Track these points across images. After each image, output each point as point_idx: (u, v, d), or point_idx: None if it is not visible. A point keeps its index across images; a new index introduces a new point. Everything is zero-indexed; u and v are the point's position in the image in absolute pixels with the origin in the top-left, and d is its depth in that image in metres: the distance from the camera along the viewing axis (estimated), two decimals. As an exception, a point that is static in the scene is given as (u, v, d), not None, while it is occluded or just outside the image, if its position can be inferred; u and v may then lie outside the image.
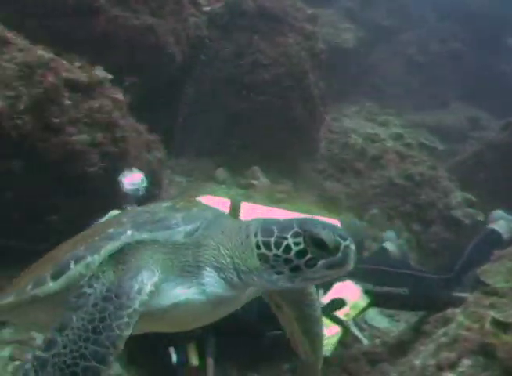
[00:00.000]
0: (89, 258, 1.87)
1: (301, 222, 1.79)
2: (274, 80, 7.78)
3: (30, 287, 2.01)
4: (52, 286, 1.93)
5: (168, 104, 6.75)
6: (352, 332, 4.28)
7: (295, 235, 1.73)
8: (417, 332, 4.57)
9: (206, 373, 3.93)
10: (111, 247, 1.87)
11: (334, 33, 12.55)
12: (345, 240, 1.76)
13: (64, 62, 4.62)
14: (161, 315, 1.91)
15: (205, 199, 4.52)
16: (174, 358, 3.89)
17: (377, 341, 5.02)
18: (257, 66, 7.78)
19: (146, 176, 4.23)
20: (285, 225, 1.79)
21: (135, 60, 6.11)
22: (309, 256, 1.71)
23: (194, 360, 3.89)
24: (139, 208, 2.14)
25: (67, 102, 4.40)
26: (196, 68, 7.23)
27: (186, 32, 6.88)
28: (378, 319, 5.64)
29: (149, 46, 6.09)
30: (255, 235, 1.78)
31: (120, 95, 4.86)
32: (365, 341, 4.48)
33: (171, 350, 3.92)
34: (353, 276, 4.24)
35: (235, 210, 4.30)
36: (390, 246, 5.46)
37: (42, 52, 4.40)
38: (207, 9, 7.71)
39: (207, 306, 1.90)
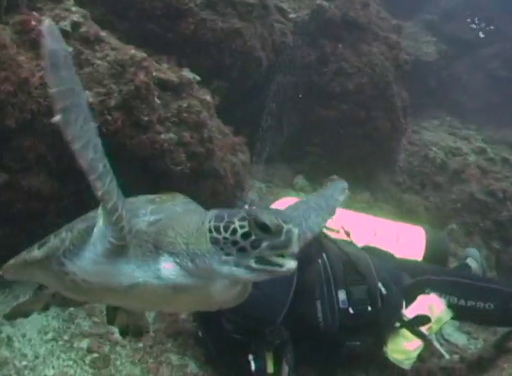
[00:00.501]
0: (64, 234, 2.12)
1: (250, 209, 1.92)
2: (357, 89, 7.73)
3: (24, 252, 2.33)
4: (35, 253, 2.21)
5: (251, 109, 6.75)
6: (434, 346, 4.18)
7: (241, 219, 1.81)
8: (499, 349, 4.45)
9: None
10: (82, 226, 2.10)
11: (415, 45, 12.36)
12: (288, 223, 1.80)
13: (154, 62, 4.67)
14: (124, 293, 2.02)
15: (286, 200, 4.50)
16: (252, 365, 3.87)
17: (455, 356, 4.91)
18: (340, 75, 7.74)
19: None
20: (234, 212, 1.87)
21: (223, 63, 6.14)
22: (253, 238, 1.78)
23: (270, 368, 3.88)
24: (128, 199, 2.26)
25: (157, 101, 4.44)
26: (279, 74, 7.21)
27: (272, 38, 6.88)
28: (456, 335, 5.52)
29: (236, 50, 6.11)
30: (209, 221, 1.88)
31: (208, 97, 4.90)
32: (447, 356, 4.37)
33: (250, 357, 3.89)
34: (437, 288, 4.15)
35: None
36: (472, 263, 5.32)
37: (134, 52, 4.45)
38: (293, 16, 7.70)
39: (166, 291, 1.98)
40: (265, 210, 1.89)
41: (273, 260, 1.82)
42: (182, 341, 4.50)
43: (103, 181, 1.87)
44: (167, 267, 1.95)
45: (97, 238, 1.98)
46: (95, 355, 4.21)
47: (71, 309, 4.59)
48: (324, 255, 4.06)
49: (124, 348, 4.33)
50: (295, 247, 1.83)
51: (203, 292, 2.04)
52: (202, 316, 4.13)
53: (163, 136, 4.42)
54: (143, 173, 4.50)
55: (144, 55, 4.44)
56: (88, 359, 4.16)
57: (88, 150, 1.83)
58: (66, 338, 4.33)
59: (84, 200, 4.22)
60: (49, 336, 4.32)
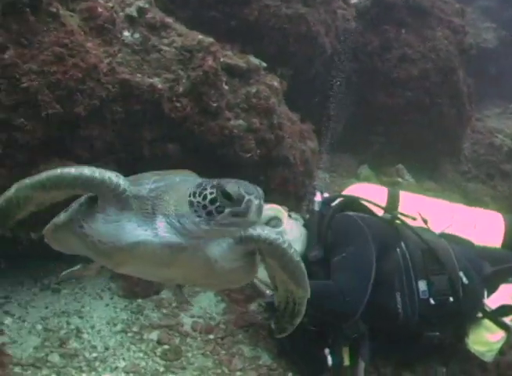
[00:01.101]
0: (82, 199, 2.35)
1: (220, 180, 2.13)
2: (421, 75, 7.51)
3: (54, 218, 2.52)
4: (62, 217, 2.43)
5: (314, 97, 6.59)
6: (516, 338, 3.99)
7: (212, 187, 2.06)
8: None
9: (356, 373, 3.80)
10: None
11: (474, 32, 11.98)
12: (249, 194, 2.01)
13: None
14: (130, 253, 2.24)
15: (361, 186, 4.34)
16: (329, 360, 3.77)
17: (539, 350, 4.68)
18: (404, 61, 7.54)
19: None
20: (209, 181, 2.12)
21: (286, 50, 6.00)
22: (218, 204, 2.01)
23: (346, 361, 3.78)
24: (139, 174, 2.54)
25: (225, 87, 4.33)
26: (342, 61, 7.03)
27: (335, 24, 6.72)
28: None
29: (300, 36, 5.96)
30: (191, 188, 2.12)
31: (275, 82, 4.77)
32: (530, 349, 4.17)
33: (327, 351, 3.75)
34: None
35: (393, 198, 4.22)
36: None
37: (202, 37, 4.34)
38: (355, 1, 7.52)
39: (164, 250, 2.20)
40: (233, 181, 2.11)
41: (233, 221, 2.03)
42: (253, 332, 4.39)
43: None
44: (161, 226, 2.18)
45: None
46: (166, 346, 4.12)
47: (139, 300, 4.53)
48: (402, 244, 3.90)
49: (195, 339, 4.23)
50: (253, 216, 2.00)
51: (199, 255, 2.25)
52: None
53: (232, 123, 4.31)
54: (211, 161, 4.39)
55: (211, 40, 4.33)
56: (158, 350, 4.07)
57: None
58: (135, 329, 4.25)
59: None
60: (118, 328, 4.24)
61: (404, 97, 7.50)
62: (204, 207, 2.06)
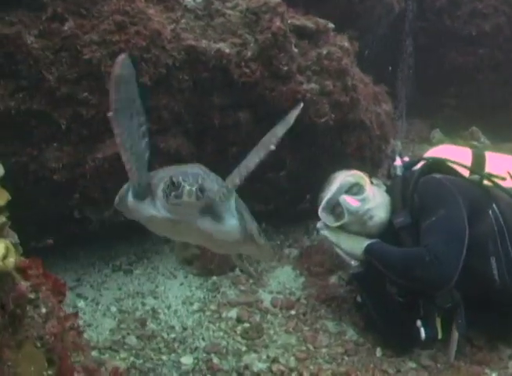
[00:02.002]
0: (125, 186, 2.81)
1: (180, 171, 2.57)
2: (494, 31, 7.07)
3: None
4: (120, 191, 2.87)
5: (382, 60, 6.28)
6: None
7: (169, 178, 2.50)
8: None
9: (449, 347, 3.58)
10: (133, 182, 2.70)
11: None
12: (184, 181, 2.44)
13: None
14: (151, 222, 2.82)
15: (443, 148, 4.05)
16: (422, 332, 3.53)
17: None
18: (475, 17, 7.10)
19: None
20: (174, 173, 2.54)
21: (352, 11, 5.70)
22: (168, 190, 2.49)
23: (439, 334, 3.54)
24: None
25: (294, 49, 4.08)
26: (409, 21, 6.69)
27: (401, -18, 6.36)
28: None
29: (366, -5, 5.64)
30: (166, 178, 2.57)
31: (346, 43, 4.48)
32: None
33: (419, 323, 3.52)
34: None
35: (479, 159, 3.95)
36: None
37: (267, -2, 4.08)
38: (420, -43, 7.13)
39: (168, 222, 2.67)
40: (182, 171, 2.56)
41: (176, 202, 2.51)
42: (336, 306, 4.18)
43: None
44: (158, 206, 2.64)
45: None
46: (246, 324, 3.95)
47: (214, 278, 4.40)
48: (494, 205, 3.61)
49: (276, 316, 4.06)
50: (186, 198, 2.43)
51: (193, 226, 2.68)
52: (362, 279, 3.76)
53: (304, 86, 4.07)
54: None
55: (278, 0, 4.05)
56: (239, 329, 3.90)
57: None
58: (213, 307, 4.09)
59: (222, 158, 3.95)
60: (195, 307, 4.11)
61: (476, 55, 7.05)
62: (164, 192, 2.54)
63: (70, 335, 2.29)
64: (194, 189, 2.44)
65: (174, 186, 2.49)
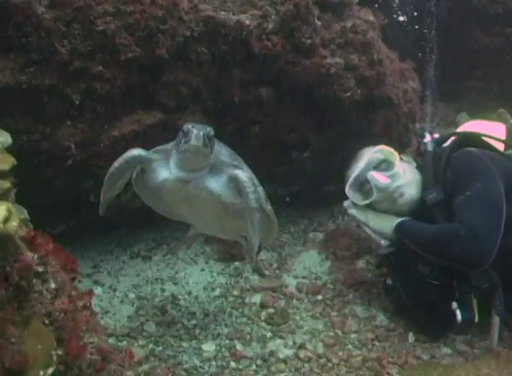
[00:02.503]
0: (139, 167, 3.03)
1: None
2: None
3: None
4: (133, 174, 3.06)
5: (406, 40, 6.06)
6: None
7: (182, 128, 2.70)
8: None
9: (490, 331, 3.34)
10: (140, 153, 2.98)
11: None
12: (193, 128, 2.64)
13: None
14: (163, 189, 2.91)
15: (476, 123, 4.00)
16: (458, 315, 3.33)
17: None
18: (502, -6, 6.83)
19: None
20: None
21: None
22: (181, 136, 2.69)
23: (476, 316, 3.32)
24: None
25: (317, 22, 3.87)
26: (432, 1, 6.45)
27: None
28: None
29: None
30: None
31: (371, 17, 4.28)
32: None
33: (454, 305, 3.29)
34: None
35: None
36: None
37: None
38: None
39: (177, 184, 2.82)
40: (195, 124, 2.72)
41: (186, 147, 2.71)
42: (365, 291, 4.00)
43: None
44: (172, 166, 2.82)
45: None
46: (271, 310, 3.78)
47: (237, 263, 4.24)
48: None
49: (302, 301, 3.89)
50: (193, 141, 2.62)
51: (203, 188, 2.82)
52: (393, 260, 3.55)
53: (328, 60, 3.86)
54: (308, 104, 3.98)
55: (298, -31, 3.85)
56: (263, 314, 3.73)
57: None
58: (235, 293, 3.94)
59: (243, 138, 3.78)
60: (217, 292, 3.95)
61: (504, 35, 6.80)
62: (176, 143, 2.75)
63: (82, 315, 2.08)
64: (202, 133, 2.62)
65: (184, 133, 2.68)
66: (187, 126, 2.68)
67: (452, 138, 3.65)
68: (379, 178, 3.46)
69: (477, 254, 3.06)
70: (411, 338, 3.54)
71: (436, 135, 3.81)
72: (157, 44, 3.35)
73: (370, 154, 3.58)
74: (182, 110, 3.66)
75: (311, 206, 4.95)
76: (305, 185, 4.60)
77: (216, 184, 2.82)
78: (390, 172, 3.47)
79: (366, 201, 3.53)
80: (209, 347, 3.41)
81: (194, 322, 3.63)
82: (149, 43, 3.33)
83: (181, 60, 3.52)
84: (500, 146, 3.62)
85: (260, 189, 2.94)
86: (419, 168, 3.63)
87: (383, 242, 3.54)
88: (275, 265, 4.21)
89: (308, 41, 3.81)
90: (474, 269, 3.15)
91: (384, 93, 4.15)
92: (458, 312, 3.28)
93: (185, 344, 3.43)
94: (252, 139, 4.01)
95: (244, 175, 2.83)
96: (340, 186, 3.77)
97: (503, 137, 3.69)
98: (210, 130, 2.68)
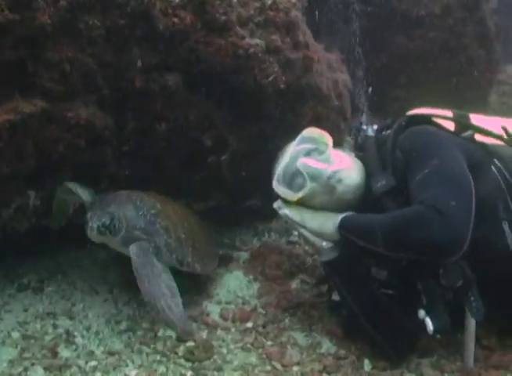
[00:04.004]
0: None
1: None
2: (444, 12, 6.40)
3: None
4: None
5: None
6: None
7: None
8: None
9: (464, 345, 2.80)
10: None
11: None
12: (90, 220, 2.98)
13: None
14: None
15: (422, 109, 3.24)
16: (429, 324, 2.66)
17: None
18: (422, -4, 6.43)
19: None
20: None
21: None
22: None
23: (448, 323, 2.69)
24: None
25: (234, -3, 3.26)
26: (354, 4, 5.98)
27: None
28: None
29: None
30: None
31: (293, -4, 3.67)
32: None
33: (422, 313, 2.69)
34: None
35: (463, 117, 3.13)
36: None
37: None
38: None
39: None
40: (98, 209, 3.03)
41: None
42: (303, 314, 3.35)
43: None
44: None
45: None
46: (190, 343, 3.07)
47: None
48: (496, 161, 2.85)
49: (228, 331, 3.23)
50: (88, 233, 2.99)
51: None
52: (339, 267, 2.91)
53: (247, 40, 3.24)
54: (224, 94, 3.35)
55: None
56: (181, 350, 3.02)
57: None
58: (145, 325, 3.22)
59: (147, 139, 3.11)
60: (123, 326, 3.23)
61: (427, 39, 6.39)
62: None
63: None
64: (95, 225, 2.90)
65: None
66: (89, 214, 2.97)
67: (396, 123, 3.06)
68: (311, 163, 2.84)
69: (449, 237, 2.41)
70: (367, 365, 2.90)
71: (374, 127, 3.22)
72: (37, 10, 2.64)
73: (297, 141, 2.96)
74: (72, 100, 2.95)
75: (231, 223, 4.33)
76: (224, 198, 3.92)
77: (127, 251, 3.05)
78: (323, 156, 2.87)
79: (299, 194, 2.89)
80: (113, 394, 2.68)
81: (93, 363, 2.89)
82: (26, 8, 2.65)
83: (68, 35, 2.83)
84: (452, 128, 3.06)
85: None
86: (359, 157, 3.04)
87: (324, 244, 2.88)
88: (192, 291, 3.51)
89: (223, 18, 3.21)
90: (448, 257, 2.48)
91: (313, 82, 3.55)
92: (428, 321, 2.64)
93: (81, 392, 2.70)
94: (158, 141, 3.33)
95: (135, 249, 3.03)
96: (265, 200, 3.44)
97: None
98: (106, 220, 2.94)
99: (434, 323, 2.65)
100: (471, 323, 2.70)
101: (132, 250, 2.99)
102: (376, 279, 2.87)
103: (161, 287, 2.92)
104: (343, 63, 4.27)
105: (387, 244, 2.57)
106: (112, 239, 3.01)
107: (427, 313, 2.68)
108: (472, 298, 2.64)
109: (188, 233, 3.29)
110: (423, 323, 2.68)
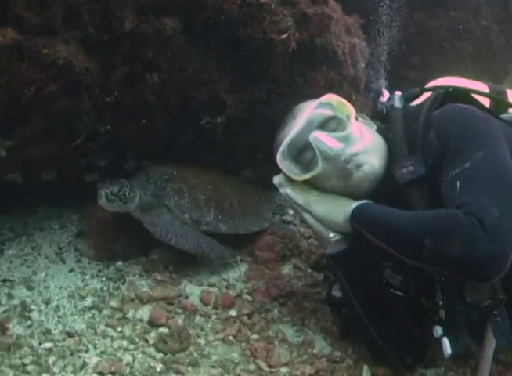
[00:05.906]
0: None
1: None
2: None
3: None
4: None
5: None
6: None
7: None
8: None
9: (480, 362, 2.35)
10: None
11: None
12: (100, 188, 3.02)
13: None
14: None
15: (452, 79, 2.93)
16: (447, 346, 2.24)
17: None
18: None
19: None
20: None
21: None
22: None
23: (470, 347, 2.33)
24: None
25: None
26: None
27: None
28: None
29: None
30: None
31: None
32: None
33: (439, 331, 2.30)
34: None
35: (501, 93, 2.79)
36: None
37: None
38: None
39: None
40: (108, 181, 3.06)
41: None
42: (295, 306, 2.95)
43: None
44: None
45: None
46: (164, 330, 2.67)
47: (119, 263, 3.17)
48: None
49: (208, 318, 2.84)
50: (98, 200, 3.00)
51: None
52: (346, 263, 2.48)
53: (258, -12, 2.80)
54: (228, 49, 2.93)
55: None
56: (152, 336, 2.61)
57: None
58: (114, 304, 2.82)
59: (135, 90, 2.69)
60: (88, 302, 2.84)
61: (446, 19, 5.96)
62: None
63: None
64: (103, 193, 2.95)
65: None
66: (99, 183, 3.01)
67: (426, 94, 2.63)
68: (326, 141, 2.39)
69: (491, 258, 1.95)
70: (366, 372, 2.51)
71: (397, 92, 2.78)
72: None
73: (313, 108, 2.52)
74: (50, 34, 2.52)
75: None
76: (214, 165, 3.52)
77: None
78: (342, 133, 2.41)
79: (307, 175, 2.44)
80: (66, 385, 2.29)
81: (49, 345, 2.48)
82: None
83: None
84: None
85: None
86: (381, 132, 2.58)
87: (331, 235, 2.44)
88: (171, 267, 3.11)
89: (229, -42, 2.75)
90: (485, 280, 2.03)
91: (329, 44, 3.11)
92: (446, 342, 2.22)
93: (30, 379, 2.30)
94: (147, 93, 2.91)
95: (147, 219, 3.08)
96: (259, 173, 3.33)
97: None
98: (115, 187, 3.00)
99: (452, 346, 2.24)
100: (491, 346, 2.28)
101: (146, 223, 3.04)
102: (388, 282, 2.45)
103: (191, 234, 3.06)
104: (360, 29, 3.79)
105: (411, 251, 2.11)
106: (124, 207, 3.03)
107: (446, 333, 2.27)
108: (499, 319, 2.23)
109: (212, 194, 3.26)
110: (437, 341, 2.27)
